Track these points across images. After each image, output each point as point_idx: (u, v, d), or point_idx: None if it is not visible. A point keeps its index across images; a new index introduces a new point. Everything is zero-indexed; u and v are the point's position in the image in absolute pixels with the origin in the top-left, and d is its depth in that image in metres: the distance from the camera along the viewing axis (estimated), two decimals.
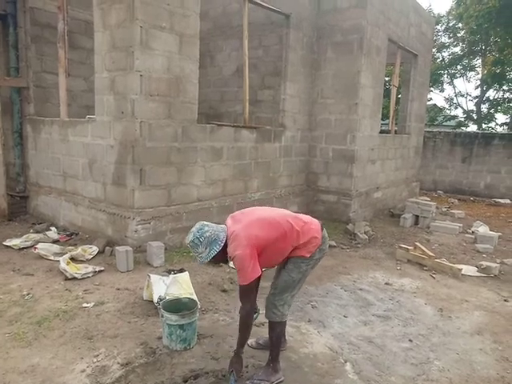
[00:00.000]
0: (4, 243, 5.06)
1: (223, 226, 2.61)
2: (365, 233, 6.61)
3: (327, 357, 3.07)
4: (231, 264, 3.44)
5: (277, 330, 2.78)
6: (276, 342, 2.80)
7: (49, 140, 6.06)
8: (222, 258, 2.56)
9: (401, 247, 5.72)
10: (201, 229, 2.51)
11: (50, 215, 6.14)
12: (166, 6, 4.81)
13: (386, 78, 12.19)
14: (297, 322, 3.60)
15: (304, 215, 2.83)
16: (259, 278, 2.70)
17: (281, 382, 2.73)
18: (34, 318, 3.36)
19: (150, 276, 3.74)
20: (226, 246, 2.51)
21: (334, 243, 6.11)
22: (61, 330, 3.20)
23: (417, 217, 7.73)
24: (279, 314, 2.72)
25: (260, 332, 3.28)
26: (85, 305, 3.63)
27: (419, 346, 3.30)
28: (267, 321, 2.84)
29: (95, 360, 2.84)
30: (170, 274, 4.02)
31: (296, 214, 2.79)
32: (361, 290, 4.46)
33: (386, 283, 4.68)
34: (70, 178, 5.75)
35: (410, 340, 3.39)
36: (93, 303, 3.66)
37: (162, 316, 3.02)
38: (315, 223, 2.77)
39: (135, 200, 4.82)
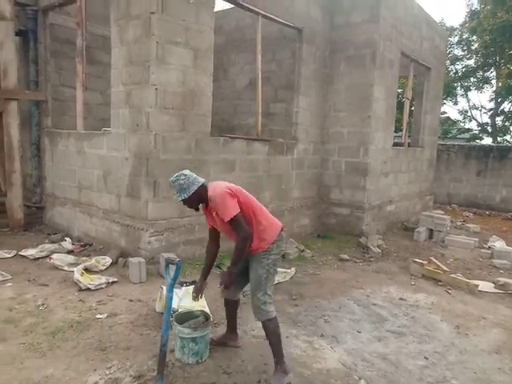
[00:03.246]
0: (20, 253, 5.14)
1: (201, 180, 2.87)
2: (378, 246, 6.54)
3: (341, 373, 3.02)
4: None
5: (270, 327, 2.87)
6: (274, 339, 2.88)
7: (65, 152, 6.18)
8: (194, 204, 2.87)
9: (415, 262, 5.64)
10: (178, 176, 2.81)
11: (65, 226, 6.22)
12: (181, 21, 4.91)
13: (399, 91, 12.18)
14: (309, 337, 3.56)
15: (271, 216, 3.07)
16: (215, 251, 3.10)
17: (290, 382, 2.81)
18: (48, 328, 3.39)
19: (162, 288, 3.75)
20: (198, 196, 2.80)
21: (346, 256, 6.06)
22: (74, 341, 3.21)
23: (431, 231, 7.62)
24: (264, 312, 2.85)
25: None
26: (98, 316, 3.65)
27: (435, 364, 3.23)
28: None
29: (108, 372, 2.84)
30: (182, 286, 4.01)
31: (266, 210, 3.05)
32: (374, 304, 4.40)
33: (400, 298, 4.61)
34: (85, 189, 5.84)
35: (426, 357, 3.32)
36: (106, 314, 3.68)
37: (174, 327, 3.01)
38: (275, 221, 3.03)
39: (149, 212, 4.86)
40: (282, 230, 2.99)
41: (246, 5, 5.81)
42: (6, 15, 5.81)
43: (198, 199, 2.84)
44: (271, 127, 8.00)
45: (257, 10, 5.97)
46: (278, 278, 4.92)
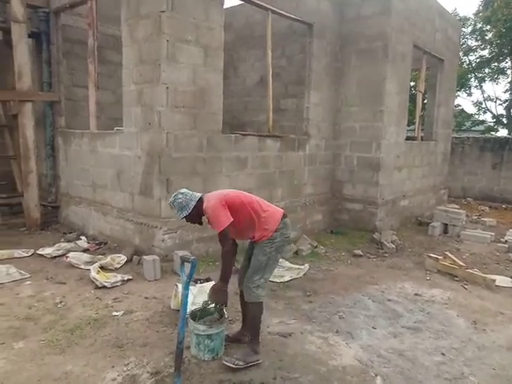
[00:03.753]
0: (38, 252, 5.23)
1: (198, 194, 2.98)
2: (392, 242, 6.49)
3: (357, 370, 3.01)
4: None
5: (252, 310, 3.04)
6: (253, 323, 3.07)
7: (79, 151, 6.26)
8: (195, 219, 2.99)
9: (430, 257, 5.57)
10: (175, 196, 2.93)
11: (80, 224, 6.31)
12: (191, 19, 4.91)
13: (411, 84, 12.00)
14: (324, 333, 3.55)
15: (272, 205, 3.19)
16: (234, 249, 3.10)
17: (258, 363, 2.96)
18: (66, 325, 3.45)
19: (177, 285, 3.78)
20: (197, 211, 2.91)
21: (360, 252, 6.03)
22: (92, 338, 3.27)
23: (446, 225, 7.53)
24: (254, 294, 2.98)
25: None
26: (114, 313, 3.70)
27: (452, 360, 3.19)
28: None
29: (125, 369, 2.88)
30: (196, 283, 4.04)
31: (266, 202, 3.16)
32: (389, 300, 4.36)
33: (416, 294, 4.56)
34: (99, 188, 5.91)
35: (443, 353, 3.28)
36: (122, 312, 3.73)
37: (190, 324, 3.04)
38: (276, 208, 3.14)
39: (162, 210, 4.90)
40: (284, 216, 3.07)
41: (255, 1, 5.78)
42: (19, 18, 5.89)
43: (199, 214, 2.96)
44: (282, 123, 7.97)
45: (266, 5, 5.94)
46: (291, 275, 4.94)
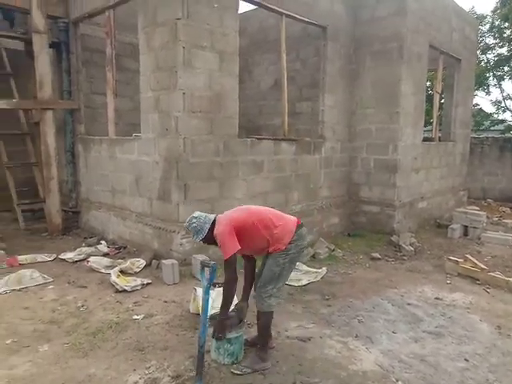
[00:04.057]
0: (60, 256, 5.35)
1: (212, 216, 3.03)
2: (410, 244, 6.40)
3: (377, 375, 2.99)
4: None
5: (262, 319, 3.04)
6: (263, 331, 3.07)
7: (98, 158, 6.38)
8: (212, 241, 2.99)
9: (450, 260, 5.48)
10: (190, 220, 3.00)
11: (99, 229, 6.43)
12: (206, 26, 4.98)
13: (428, 84, 11.84)
14: (344, 338, 3.53)
15: (285, 215, 3.18)
16: (252, 264, 3.19)
17: (266, 369, 2.96)
18: (89, 329, 3.52)
19: (195, 289, 3.82)
20: (212, 232, 2.93)
21: (378, 255, 5.97)
22: (114, 342, 3.32)
23: (465, 227, 7.38)
24: (266, 304, 2.98)
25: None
26: (135, 317, 3.75)
27: (476, 367, 3.13)
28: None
29: (147, 372, 2.92)
30: (215, 287, 4.07)
31: (278, 213, 3.14)
32: (409, 304, 4.31)
33: (436, 298, 4.49)
34: (118, 193, 6.02)
35: (466, 359, 3.23)
36: (142, 315, 3.78)
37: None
38: (290, 220, 3.09)
39: (180, 214, 4.95)
40: (299, 227, 3.04)
41: (269, 5, 5.81)
42: (40, 29, 6.06)
43: (214, 236, 2.98)
44: (297, 126, 7.97)
45: (280, 10, 5.96)
46: (309, 278, 4.92)
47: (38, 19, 6.05)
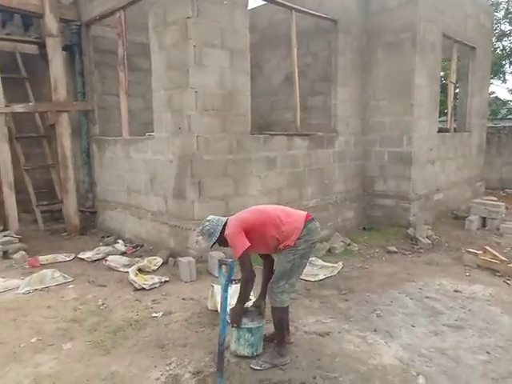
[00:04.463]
0: (78, 256, 5.45)
1: (224, 219, 3.10)
2: (427, 237, 6.33)
3: (398, 369, 2.97)
4: None
5: (277, 314, 3.06)
6: (278, 326, 3.08)
7: (113, 158, 6.46)
8: (225, 243, 3.05)
9: (469, 252, 5.41)
10: (203, 224, 3.10)
11: (116, 229, 6.53)
12: (216, 23, 4.97)
13: (442, 73, 11.62)
14: (362, 332, 3.52)
15: (295, 211, 3.20)
16: (270, 263, 3.24)
17: (285, 364, 2.99)
18: (109, 327, 3.58)
19: (213, 286, 3.85)
20: (224, 236, 3.00)
21: (394, 249, 5.92)
22: (134, 339, 3.38)
23: (484, 218, 7.26)
24: (278, 300, 3.00)
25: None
26: (154, 314, 3.80)
27: (499, 359, 3.10)
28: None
29: (168, 368, 2.97)
30: (232, 283, 4.09)
31: (287, 210, 3.17)
32: (428, 297, 4.27)
33: (455, 290, 4.44)
34: (133, 192, 6.09)
35: (488, 352, 3.19)
36: (161, 313, 3.83)
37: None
38: (299, 215, 3.10)
39: (195, 212, 4.99)
40: (308, 220, 3.04)
41: (279, 1, 5.78)
42: (54, 32, 6.15)
43: (225, 236, 3.04)
44: (310, 121, 7.91)
45: (290, 4, 5.92)
46: (325, 273, 4.92)
47: (50, 23, 6.14)
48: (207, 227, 3.04)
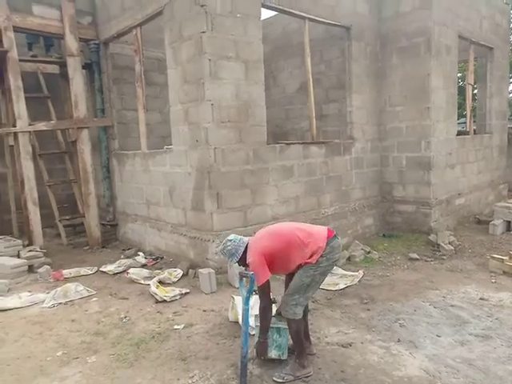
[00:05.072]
0: (101, 269, 5.55)
1: (246, 239, 3.09)
2: (449, 243, 6.20)
3: (424, 381, 2.91)
4: None
5: (292, 326, 3.01)
6: (295, 338, 3.04)
7: (132, 171, 6.59)
8: (245, 263, 3.05)
9: (494, 257, 5.26)
10: (225, 243, 3.07)
11: (136, 241, 6.62)
12: (230, 36, 5.05)
13: (459, 75, 11.45)
14: (385, 343, 3.46)
15: (314, 227, 3.17)
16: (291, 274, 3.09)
17: (308, 376, 2.96)
18: (132, 339, 3.62)
19: (233, 298, 3.86)
20: (245, 257, 3.00)
21: (416, 256, 5.82)
22: (157, 352, 3.41)
23: (508, 222, 7.07)
24: (291, 312, 2.97)
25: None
26: (176, 327, 3.83)
27: None
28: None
29: (190, 381, 2.97)
30: (252, 294, 4.09)
31: (305, 227, 3.12)
32: (452, 306, 4.17)
33: (481, 298, 4.32)
34: (152, 205, 6.18)
35: None
36: (183, 325, 3.85)
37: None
38: (319, 233, 3.04)
39: (214, 223, 5.03)
40: (331, 238, 3.00)
41: (292, 11, 5.82)
42: (74, 52, 6.36)
43: (246, 259, 3.04)
44: (325, 128, 7.92)
45: (303, 14, 5.96)
46: (346, 282, 4.87)
47: (71, 43, 6.35)
48: (229, 247, 3.03)
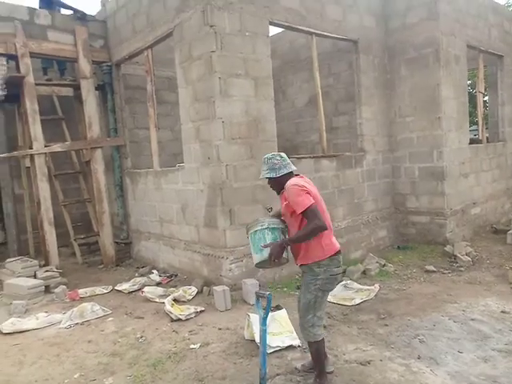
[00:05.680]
0: (116, 288, 5.58)
1: (293, 168, 2.97)
2: (466, 254, 6.08)
3: None
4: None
5: (312, 348, 3.00)
6: (316, 358, 3.02)
7: (145, 189, 6.65)
8: (276, 187, 2.99)
9: None
10: (274, 154, 2.98)
11: (150, 259, 6.65)
12: (239, 54, 5.13)
13: (469, 82, 11.38)
14: (405, 360, 3.39)
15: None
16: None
17: None
18: (149, 360, 3.61)
19: (249, 315, 3.83)
20: (281, 182, 2.90)
21: (432, 268, 5.72)
22: (174, 372, 3.38)
23: None
24: (311, 334, 2.94)
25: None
26: (192, 346, 3.81)
27: None
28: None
29: None
30: (268, 314, 4.05)
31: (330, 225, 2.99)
32: (473, 320, 4.07)
33: (503, 311, 4.22)
34: (165, 222, 6.22)
35: None
36: (199, 344, 3.83)
37: None
38: (336, 242, 3.00)
39: (227, 240, 5.03)
40: (335, 253, 2.93)
41: (299, 27, 5.90)
42: (87, 74, 6.53)
43: (282, 184, 2.92)
44: (336, 141, 7.93)
45: (310, 30, 6.02)
46: (361, 297, 4.80)
47: (84, 66, 6.52)
48: (276, 161, 2.89)
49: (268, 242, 2.86)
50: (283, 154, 2.99)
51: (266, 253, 2.84)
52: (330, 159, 6.28)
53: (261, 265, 2.99)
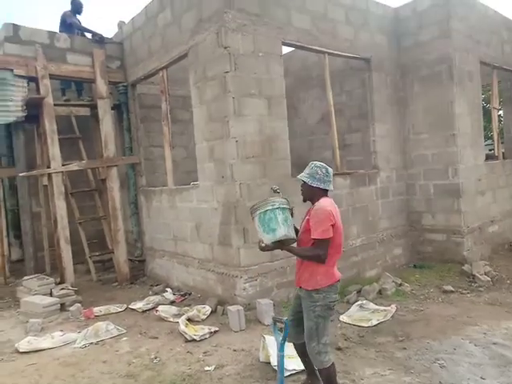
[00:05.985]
0: (130, 306, 5.58)
1: (330, 187, 3.00)
2: (485, 274, 5.95)
3: None
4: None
5: (323, 374, 2.97)
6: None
7: (159, 207, 6.70)
8: (307, 195, 3.05)
9: None
10: (322, 165, 2.99)
11: (164, 277, 6.65)
12: (253, 74, 5.19)
13: (482, 96, 11.32)
14: None
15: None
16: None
17: None
18: (163, 382, 3.58)
19: (264, 337, 3.79)
20: (313, 194, 2.98)
21: (450, 288, 5.60)
22: None
23: None
24: (318, 361, 2.92)
25: None
26: (206, 368, 3.76)
27: None
28: None
29: None
30: (286, 339, 4.00)
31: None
32: (495, 344, 3.95)
33: None
34: (179, 241, 6.24)
35: None
36: (213, 366, 3.78)
37: None
38: (337, 271, 3.01)
39: (241, 258, 5.01)
40: (337, 281, 2.99)
41: (311, 47, 5.96)
42: (104, 95, 6.69)
43: (312, 195, 3.00)
44: (348, 158, 7.90)
45: (323, 49, 6.08)
46: (378, 318, 4.71)
47: (101, 87, 6.68)
48: (319, 171, 2.94)
49: (279, 221, 2.87)
50: (330, 170, 3.02)
51: (278, 233, 2.83)
52: (344, 177, 6.25)
53: (269, 247, 2.97)
